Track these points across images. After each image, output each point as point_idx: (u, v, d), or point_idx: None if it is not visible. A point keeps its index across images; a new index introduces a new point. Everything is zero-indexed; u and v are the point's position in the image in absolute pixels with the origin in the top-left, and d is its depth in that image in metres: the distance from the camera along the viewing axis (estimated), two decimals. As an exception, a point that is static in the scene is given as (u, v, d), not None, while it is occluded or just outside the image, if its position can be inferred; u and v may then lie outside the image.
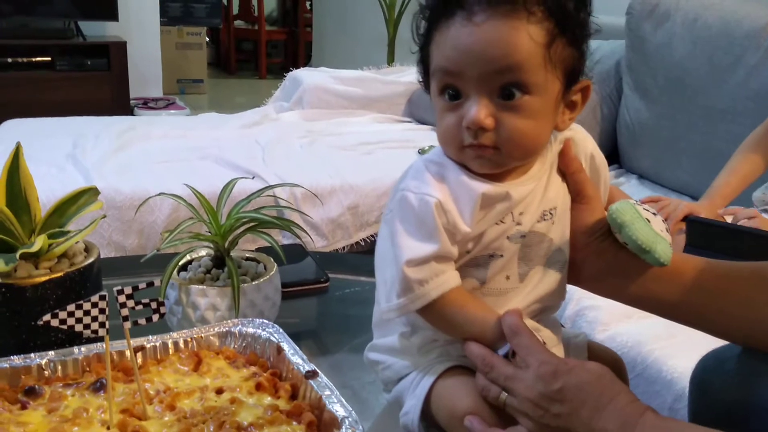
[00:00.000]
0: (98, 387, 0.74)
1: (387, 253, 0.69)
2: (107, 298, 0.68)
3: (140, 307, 0.70)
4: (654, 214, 0.72)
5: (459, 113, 0.67)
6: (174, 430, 0.69)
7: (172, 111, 4.55)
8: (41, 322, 0.65)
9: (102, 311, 0.67)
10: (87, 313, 0.66)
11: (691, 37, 1.95)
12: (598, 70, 2.24)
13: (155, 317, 0.71)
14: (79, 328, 0.66)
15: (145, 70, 4.70)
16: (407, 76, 2.78)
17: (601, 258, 0.73)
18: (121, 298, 0.68)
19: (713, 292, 0.71)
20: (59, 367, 0.78)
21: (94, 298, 0.66)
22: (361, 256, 1.80)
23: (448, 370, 0.72)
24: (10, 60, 4.22)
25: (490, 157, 0.67)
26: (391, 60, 3.35)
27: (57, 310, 0.65)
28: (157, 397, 0.74)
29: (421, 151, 2.27)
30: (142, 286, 0.69)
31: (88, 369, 0.78)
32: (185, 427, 0.69)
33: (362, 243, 2.03)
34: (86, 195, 0.95)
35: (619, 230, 0.69)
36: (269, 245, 0.98)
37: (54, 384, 0.76)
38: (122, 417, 0.70)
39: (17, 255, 0.82)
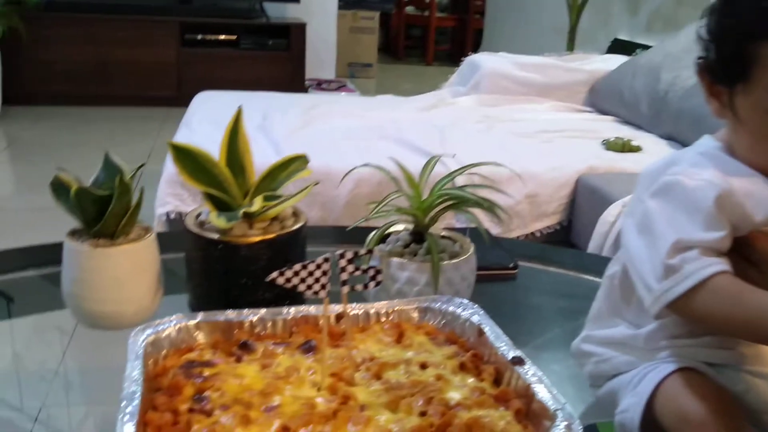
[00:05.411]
0: (307, 348, 0.75)
1: (641, 246, 0.64)
2: (330, 261, 0.68)
3: (358, 273, 0.70)
4: None
5: None
6: (383, 399, 0.68)
7: (343, 94, 4.68)
8: (269, 279, 0.66)
9: (324, 273, 0.67)
10: (311, 273, 0.67)
11: None
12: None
13: (371, 285, 0.71)
14: (302, 288, 0.67)
15: (321, 52, 4.86)
16: (591, 64, 2.66)
17: None
18: (342, 263, 0.68)
19: None
20: (269, 325, 0.80)
21: (319, 260, 0.67)
22: (545, 246, 1.74)
23: (678, 370, 0.66)
24: (199, 37, 4.51)
25: None
26: (570, 48, 3.23)
27: (284, 269, 0.66)
28: (363, 365, 0.74)
29: (605, 143, 2.16)
30: (362, 252, 0.69)
31: (295, 330, 0.80)
32: (394, 398, 0.68)
33: (537, 234, 1.97)
34: (297, 162, 0.97)
35: None
36: (454, 228, 0.96)
37: (265, 341, 0.77)
38: (332, 380, 0.71)
39: (239, 213, 0.85)
